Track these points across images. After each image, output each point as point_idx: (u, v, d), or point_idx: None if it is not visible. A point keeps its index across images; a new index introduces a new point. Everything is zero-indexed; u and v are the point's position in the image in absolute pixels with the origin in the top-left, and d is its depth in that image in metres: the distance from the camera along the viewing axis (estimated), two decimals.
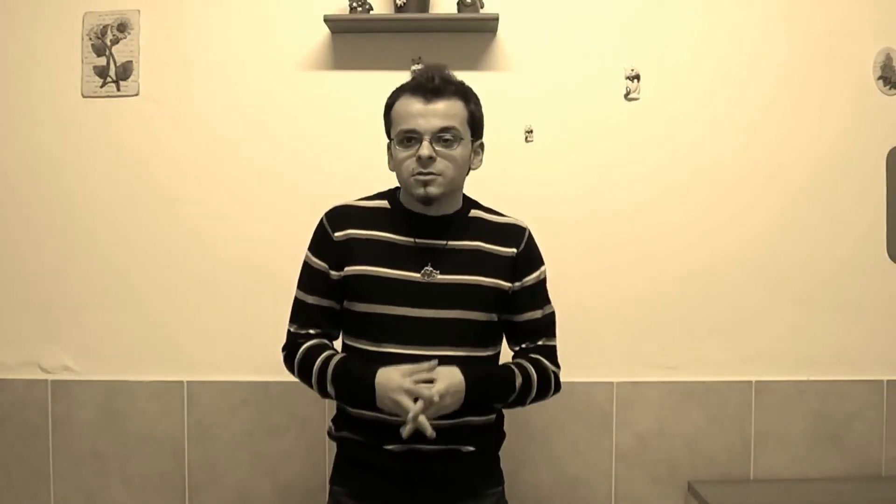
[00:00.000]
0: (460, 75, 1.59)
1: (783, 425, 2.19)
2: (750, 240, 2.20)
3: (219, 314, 2.18)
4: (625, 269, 2.19)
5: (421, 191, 1.52)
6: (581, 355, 2.14)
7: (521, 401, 1.58)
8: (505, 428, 1.69)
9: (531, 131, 2.18)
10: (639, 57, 2.19)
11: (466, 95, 1.58)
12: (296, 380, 1.61)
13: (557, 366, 1.65)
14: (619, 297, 2.19)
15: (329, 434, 1.66)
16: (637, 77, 2.19)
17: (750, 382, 2.19)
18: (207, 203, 2.19)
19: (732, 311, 2.20)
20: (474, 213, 1.63)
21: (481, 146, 1.63)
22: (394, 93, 1.59)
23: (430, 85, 1.53)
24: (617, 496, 2.19)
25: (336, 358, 1.55)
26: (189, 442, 2.17)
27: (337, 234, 1.58)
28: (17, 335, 2.19)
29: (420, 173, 1.51)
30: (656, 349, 2.20)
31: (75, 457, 2.17)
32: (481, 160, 1.63)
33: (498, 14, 2.10)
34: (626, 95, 2.19)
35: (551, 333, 1.66)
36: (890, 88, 2.21)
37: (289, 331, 1.63)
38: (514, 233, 1.63)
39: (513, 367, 1.58)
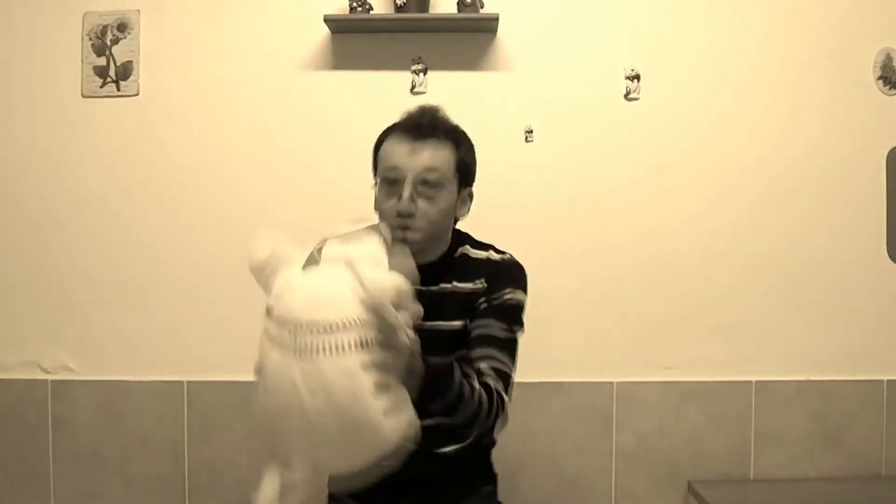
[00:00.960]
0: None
1: (783, 425, 2.19)
2: (750, 240, 2.20)
3: (219, 314, 2.18)
4: (625, 269, 2.19)
5: (399, 235, 1.42)
6: (581, 355, 2.14)
7: (454, 406, 1.35)
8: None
9: (531, 131, 2.18)
10: (639, 57, 2.18)
11: (458, 140, 1.51)
12: None
13: (507, 393, 1.44)
14: (620, 297, 2.19)
15: None
16: (637, 77, 2.19)
17: (750, 382, 2.19)
18: (207, 203, 2.19)
19: (732, 311, 2.20)
20: (461, 251, 1.55)
21: (470, 195, 1.55)
22: (383, 132, 1.53)
23: (420, 125, 1.47)
24: (617, 496, 2.19)
25: None
26: (189, 442, 2.17)
27: None
28: (17, 335, 2.19)
29: (400, 225, 1.42)
30: (656, 349, 2.20)
31: (75, 457, 2.17)
32: (469, 209, 1.56)
33: (498, 14, 2.09)
34: (626, 95, 2.19)
35: (508, 355, 1.48)
36: (890, 88, 2.21)
37: None
38: (488, 267, 1.52)
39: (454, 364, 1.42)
